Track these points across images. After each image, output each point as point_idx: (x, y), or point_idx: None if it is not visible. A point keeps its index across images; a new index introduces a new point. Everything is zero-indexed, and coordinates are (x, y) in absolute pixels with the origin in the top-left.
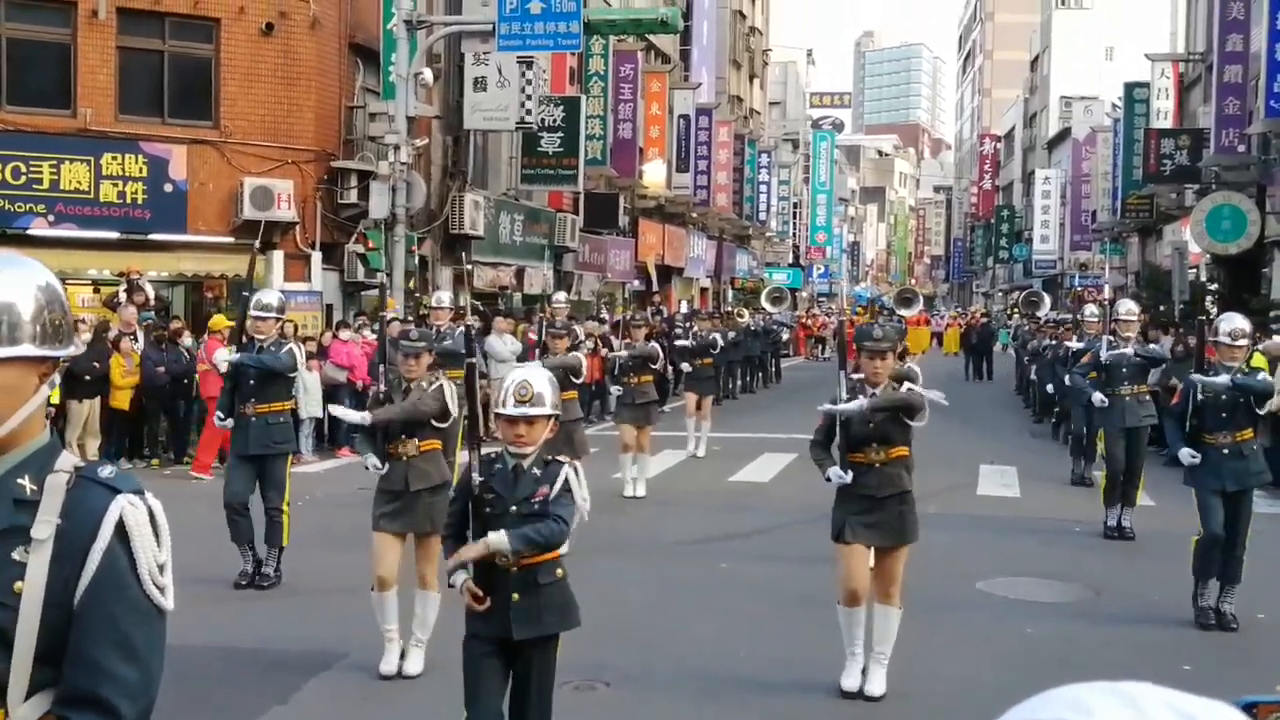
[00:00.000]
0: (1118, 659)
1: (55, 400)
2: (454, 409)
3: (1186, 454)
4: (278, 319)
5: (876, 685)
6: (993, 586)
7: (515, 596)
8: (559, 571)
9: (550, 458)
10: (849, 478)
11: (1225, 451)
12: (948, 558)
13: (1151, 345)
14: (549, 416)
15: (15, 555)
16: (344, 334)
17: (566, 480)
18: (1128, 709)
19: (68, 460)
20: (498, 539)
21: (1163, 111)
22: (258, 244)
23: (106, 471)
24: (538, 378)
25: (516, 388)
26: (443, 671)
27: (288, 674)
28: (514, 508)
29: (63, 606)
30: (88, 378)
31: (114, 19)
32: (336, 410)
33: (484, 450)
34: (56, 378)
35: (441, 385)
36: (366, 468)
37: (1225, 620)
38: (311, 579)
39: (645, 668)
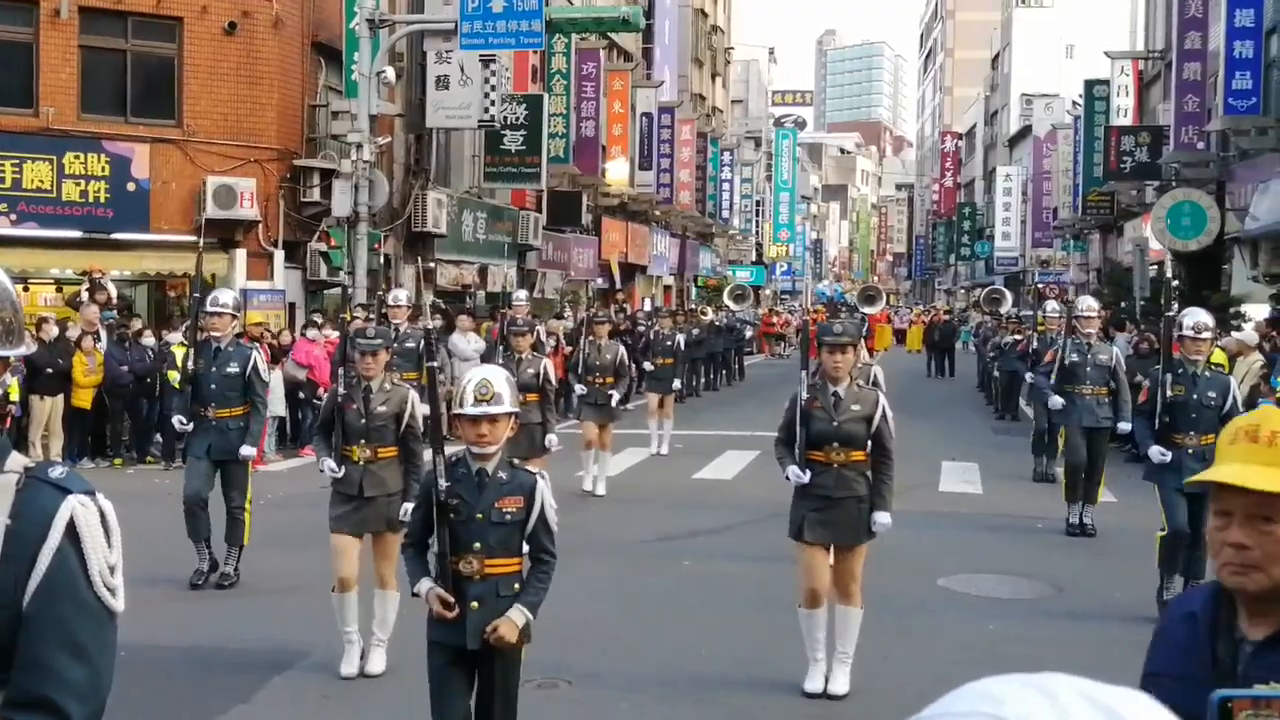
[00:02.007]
0: (1080, 655)
1: (15, 396)
2: (419, 423)
3: (1156, 452)
4: (233, 316)
5: (840, 684)
6: (955, 583)
7: (474, 605)
8: (517, 586)
9: (516, 463)
10: (806, 477)
11: (1190, 453)
12: (910, 554)
13: (1114, 349)
14: (510, 414)
15: None
16: (310, 333)
17: (543, 505)
18: (1042, 699)
19: (17, 460)
20: (521, 617)
21: (1123, 109)
22: (202, 242)
23: (57, 472)
24: (496, 376)
25: (476, 387)
26: (404, 671)
27: (250, 673)
28: (480, 514)
29: (12, 607)
30: (49, 370)
31: (76, 18)
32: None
33: (446, 452)
34: (8, 377)
35: (409, 398)
36: (322, 470)
37: None
38: (274, 578)
39: (608, 666)
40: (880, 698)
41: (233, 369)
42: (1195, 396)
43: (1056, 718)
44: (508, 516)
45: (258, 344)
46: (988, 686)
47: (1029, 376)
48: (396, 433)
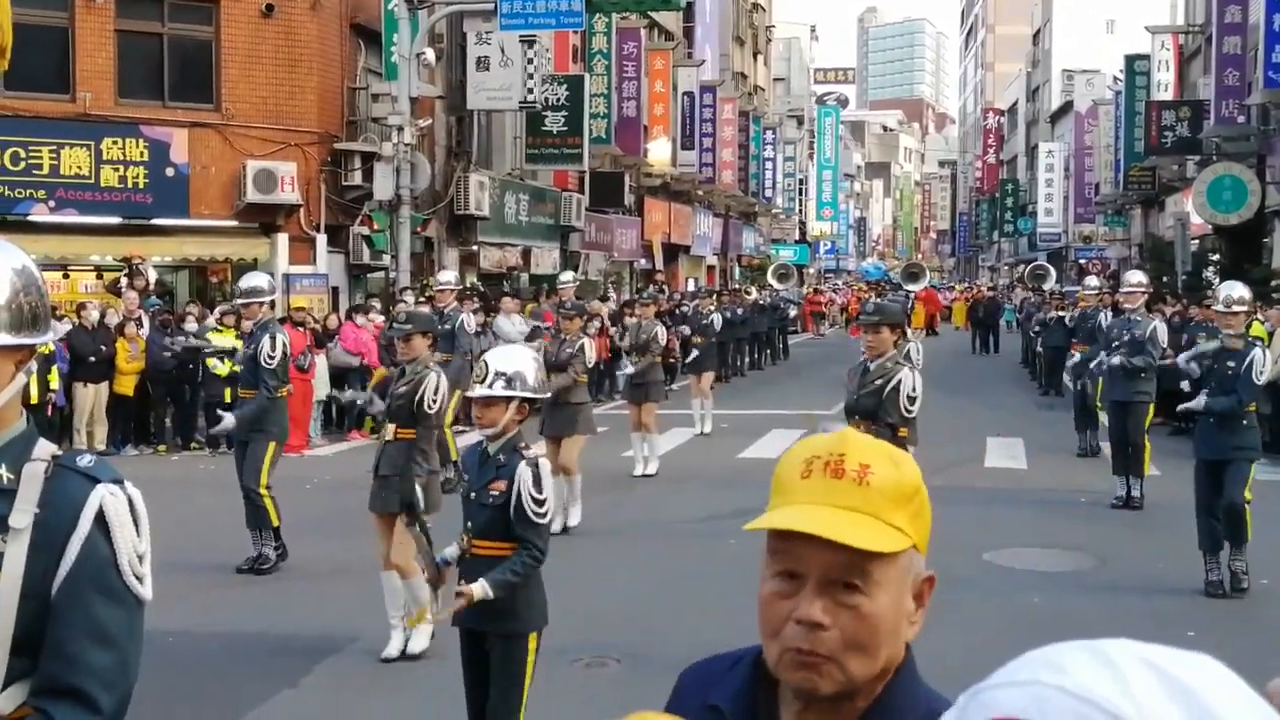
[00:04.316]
0: (1124, 627)
1: (56, 385)
2: (435, 402)
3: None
4: (261, 303)
5: None
6: (999, 557)
7: (461, 584)
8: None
9: (521, 446)
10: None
11: (1212, 421)
12: (955, 529)
13: (1153, 324)
14: (509, 399)
15: None
16: (358, 319)
17: (519, 491)
18: (1102, 665)
19: (45, 448)
20: (480, 590)
21: (1163, 84)
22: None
23: (85, 460)
24: (503, 358)
25: (478, 368)
26: (451, 653)
27: (296, 657)
28: (473, 494)
29: (40, 596)
30: (92, 359)
31: (112, 2)
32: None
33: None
34: (33, 365)
35: (426, 379)
36: (357, 403)
37: (1236, 579)
38: (319, 562)
39: (655, 645)
40: (924, 672)
41: (252, 351)
42: (1215, 366)
43: (1117, 686)
44: (491, 499)
45: (279, 325)
46: (1049, 654)
47: (1073, 358)
48: (415, 414)
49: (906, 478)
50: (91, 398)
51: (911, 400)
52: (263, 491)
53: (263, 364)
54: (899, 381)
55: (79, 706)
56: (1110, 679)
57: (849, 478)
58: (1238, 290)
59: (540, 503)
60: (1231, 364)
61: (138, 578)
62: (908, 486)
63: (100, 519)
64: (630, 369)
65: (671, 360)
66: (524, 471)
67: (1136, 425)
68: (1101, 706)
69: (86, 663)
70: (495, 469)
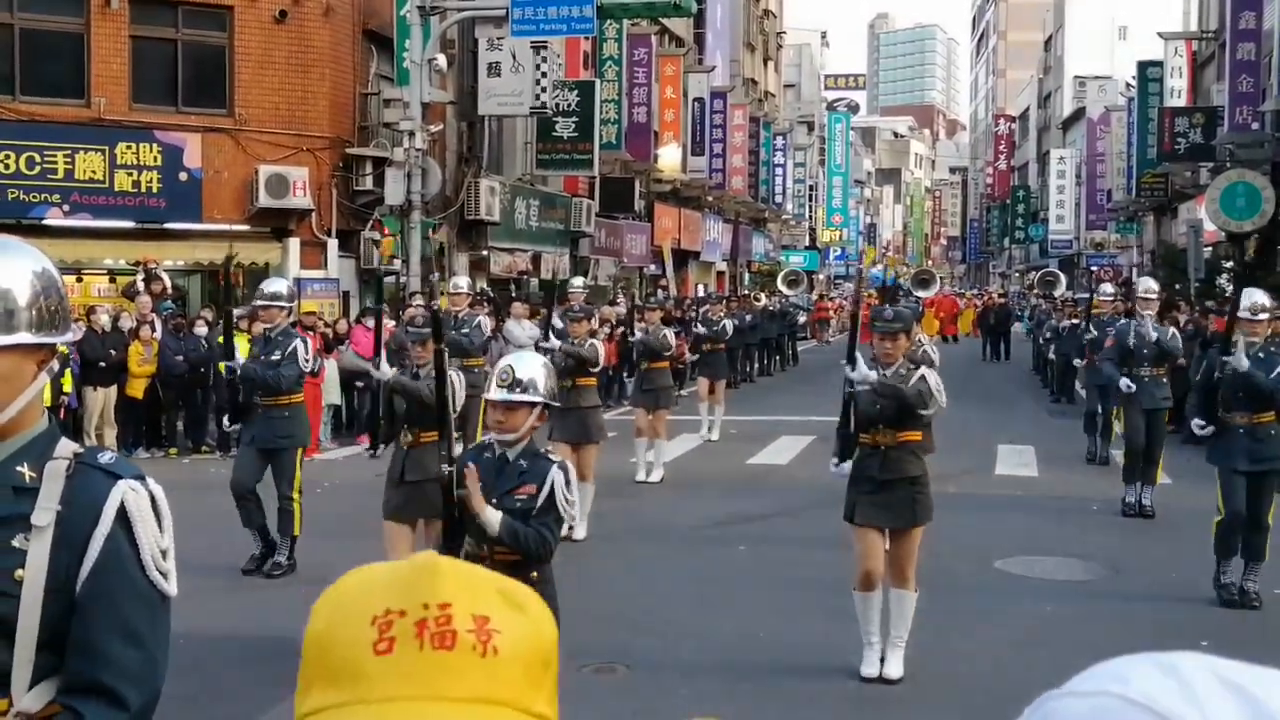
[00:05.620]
0: (1136, 636)
1: (69, 388)
2: (455, 404)
3: (1196, 425)
4: (280, 308)
5: (894, 668)
6: (1011, 565)
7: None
8: (534, 574)
9: (544, 451)
10: (844, 470)
11: (1241, 431)
12: (966, 537)
13: (1171, 330)
14: (533, 404)
15: (15, 543)
16: (369, 322)
17: (553, 488)
18: (1166, 675)
19: (67, 447)
20: (492, 516)
21: (1176, 90)
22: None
23: (106, 457)
24: (523, 363)
25: (499, 372)
26: None
27: None
28: (494, 500)
29: (65, 594)
30: (102, 364)
31: (126, 8)
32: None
33: (484, 437)
34: (54, 364)
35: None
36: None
37: (1249, 598)
38: (328, 566)
39: (664, 650)
40: (936, 680)
41: (276, 357)
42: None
43: (1181, 696)
44: (518, 504)
45: (309, 333)
46: (1116, 666)
47: (1085, 359)
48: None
49: (542, 628)
50: (100, 401)
51: (939, 390)
52: (295, 497)
53: (300, 366)
54: (922, 377)
55: (107, 703)
56: (1175, 689)
57: (464, 645)
58: (1260, 297)
59: (571, 503)
60: (1260, 373)
61: (161, 573)
62: (546, 641)
63: (122, 515)
64: (637, 336)
65: (681, 366)
66: (557, 474)
67: (1160, 431)
68: (1161, 715)
69: (113, 659)
70: (518, 474)
